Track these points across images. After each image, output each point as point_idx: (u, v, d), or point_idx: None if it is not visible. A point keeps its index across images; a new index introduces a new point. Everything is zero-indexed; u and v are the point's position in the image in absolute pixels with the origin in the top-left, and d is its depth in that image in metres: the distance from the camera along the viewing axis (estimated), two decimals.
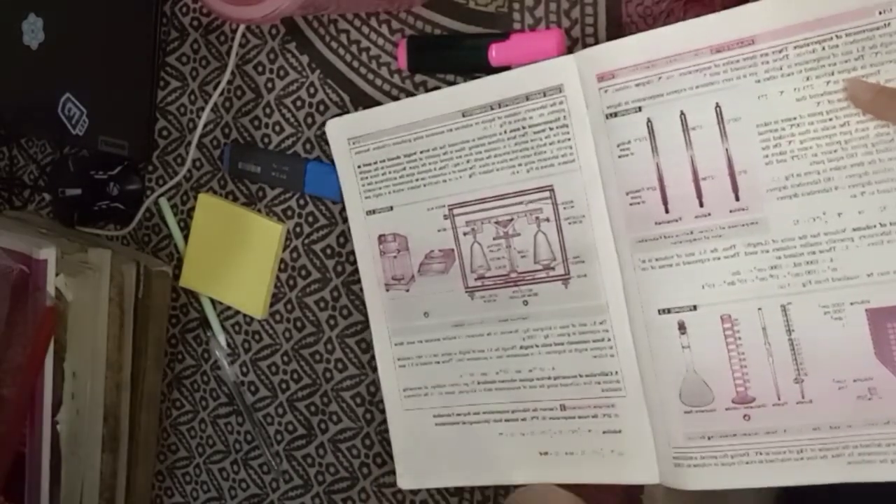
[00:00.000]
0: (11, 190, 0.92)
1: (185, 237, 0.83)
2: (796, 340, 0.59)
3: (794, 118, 0.57)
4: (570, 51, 0.66)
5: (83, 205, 0.85)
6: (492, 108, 0.66)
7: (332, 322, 0.78)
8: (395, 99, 0.73)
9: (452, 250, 0.70)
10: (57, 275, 0.76)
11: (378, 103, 0.73)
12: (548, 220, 0.66)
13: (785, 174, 0.58)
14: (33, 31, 0.86)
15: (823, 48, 0.56)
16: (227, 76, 0.78)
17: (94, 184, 0.84)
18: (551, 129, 0.65)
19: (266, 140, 0.79)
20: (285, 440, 0.81)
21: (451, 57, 0.70)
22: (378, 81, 0.73)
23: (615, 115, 0.62)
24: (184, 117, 0.83)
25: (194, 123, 0.82)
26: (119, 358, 0.81)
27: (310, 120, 0.77)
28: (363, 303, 0.74)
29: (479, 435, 0.70)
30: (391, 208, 0.71)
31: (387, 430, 0.74)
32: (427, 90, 0.71)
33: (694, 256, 0.61)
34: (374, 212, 0.72)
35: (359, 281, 0.74)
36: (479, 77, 0.68)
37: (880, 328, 0.57)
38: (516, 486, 0.71)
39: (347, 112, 0.74)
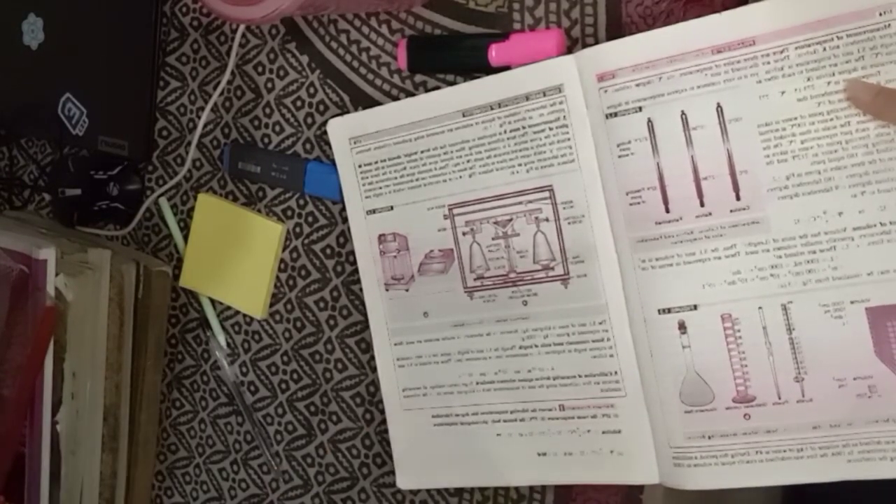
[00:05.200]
0: (11, 190, 0.92)
1: (185, 237, 0.83)
2: (796, 339, 0.59)
3: (795, 118, 0.57)
4: (569, 51, 0.66)
5: (83, 205, 0.85)
6: (492, 108, 0.66)
7: (331, 322, 0.78)
8: (395, 99, 0.73)
9: (452, 250, 0.70)
10: (57, 275, 0.76)
11: (378, 103, 0.73)
12: (547, 220, 0.66)
13: (786, 174, 0.58)
14: (33, 31, 0.86)
15: (824, 49, 0.56)
16: (226, 76, 0.78)
17: (94, 184, 0.84)
18: (551, 129, 0.65)
19: (266, 140, 0.79)
20: (285, 440, 0.81)
21: (451, 57, 0.70)
22: (378, 81, 0.74)
23: (615, 114, 0.62)
24: (184, 117, 0.83)
25: (194, 123, 0.82)
26: (119, 358, 0.81)
27: (310, 120, 0.77)
28: (363, 303, 0.74)
29: (477, 435, 0.70)
30: (391, 208, 0.71)
31: (386, 431, 0.74)
32: (427, 90, 0.71)
33: (694, 256, 0.61)
34: (374, 211, 0.72)
35: (358, 281, 0.74)
36: (478, 77, 0.68)
37: (880, 327, 0.57)
38: (516, 486, 0.71)
39: (347, 112, 0.74)
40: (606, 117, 0.62)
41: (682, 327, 0.62)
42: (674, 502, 0.67)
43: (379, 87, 0.74)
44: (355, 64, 0.74)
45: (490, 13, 0.69)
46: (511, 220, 0.67)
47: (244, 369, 0.83)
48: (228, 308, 0.83)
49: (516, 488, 0.72)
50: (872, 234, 0.57)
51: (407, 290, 0.72)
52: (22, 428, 0.77)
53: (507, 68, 0.66)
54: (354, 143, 0.72)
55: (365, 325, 0.75)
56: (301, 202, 0.78)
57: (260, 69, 0.78)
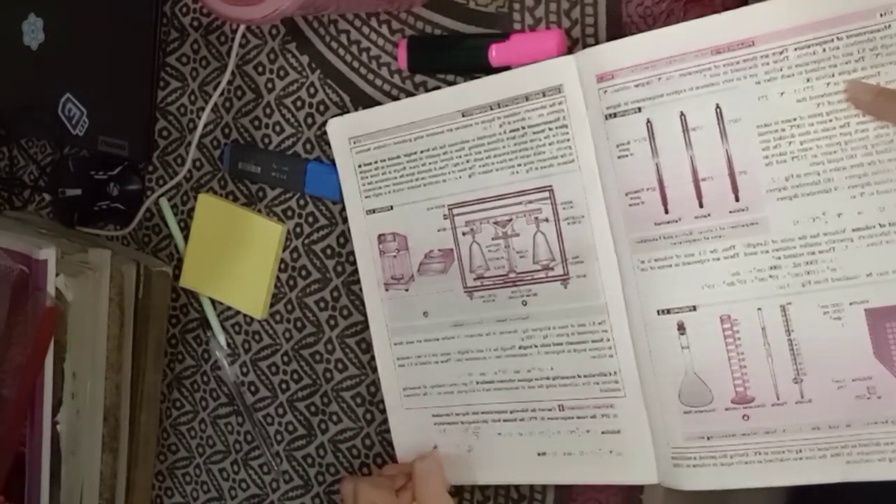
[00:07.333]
0: (11, 190, 0.92)
1: (186, 237, 0.83)
2: (795, 340, 0.59)
3: (795, 119, 0.57)
4: (569, 51, 0.66)
5: (83, 205, 0.85)
6: (491, 109, 0.66)
7: (332, 322, 0.78)
8: (395, 99, 0.73)
9: (452, 250, 0.70)
10: (57, 275, 0.76)
11: (378, 103, 0.73)
12: (547, 220, 0.66)
13: (785, 175, 0.58)
14: (33, 31, 0.86)
15: (824, 50, 0.56)
16: (227, 76, 0.78)
17: (95, 184, 0.84)
18: (551, 129, 0.65)
19: (266, 140, 0.79)
20: (285, 440, 0.82)
21: (451, 57, 0.70)
22: (378, 81, 0.74)
23: (615, 115, 0.62)
24: (184, 117, 0.83)
25: (194, 124, 0.82)
26: (119, 358, 0.81)
27: (310, 120, 0.77)
28: (363, 303, 0.74)
29: (478, 435, 0.70)
30: (391, 208, 0.71)
31: (387, 431, 0.74)
32: (427, 90, 0.72)
33: (693, 257, 0.61)
34: (374, 211, 0.72)
35: (359, 281, 0.74)
36: (478, 77, 0.68)
37: (879, 328, 0.57)
38: (516, 486, 0.71)
39: (347, 112, 0.74)
40: (606, 118, 0.62)
41: (682, 328, 0.62)
42: (673, 502, 0.67)
43: (379, 87, 0.74)
44: (355, 64, 0.74)
45: (490, 13, 0.69)
46: (511, 220, 0.67)
47: (244, 369, 0.83)
48: (229, 308, 0.83)
49: (516, 488, 0.72)
50: (871, 235, 0.56)
51: (407, 290, 0.72)
52: (22, 428, 0.77)
53: (507, 68, 0.66)
54: (354, 143, 0.72)
55: (365, 325, 0.75)
56: (301, 202, 0.78)
57: (260, 69, 0.78)
